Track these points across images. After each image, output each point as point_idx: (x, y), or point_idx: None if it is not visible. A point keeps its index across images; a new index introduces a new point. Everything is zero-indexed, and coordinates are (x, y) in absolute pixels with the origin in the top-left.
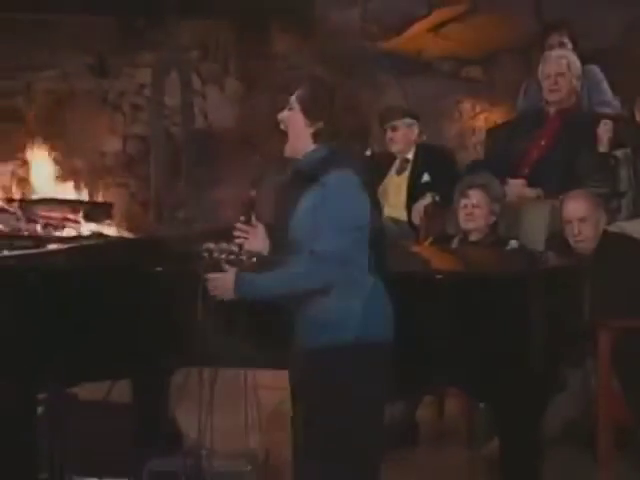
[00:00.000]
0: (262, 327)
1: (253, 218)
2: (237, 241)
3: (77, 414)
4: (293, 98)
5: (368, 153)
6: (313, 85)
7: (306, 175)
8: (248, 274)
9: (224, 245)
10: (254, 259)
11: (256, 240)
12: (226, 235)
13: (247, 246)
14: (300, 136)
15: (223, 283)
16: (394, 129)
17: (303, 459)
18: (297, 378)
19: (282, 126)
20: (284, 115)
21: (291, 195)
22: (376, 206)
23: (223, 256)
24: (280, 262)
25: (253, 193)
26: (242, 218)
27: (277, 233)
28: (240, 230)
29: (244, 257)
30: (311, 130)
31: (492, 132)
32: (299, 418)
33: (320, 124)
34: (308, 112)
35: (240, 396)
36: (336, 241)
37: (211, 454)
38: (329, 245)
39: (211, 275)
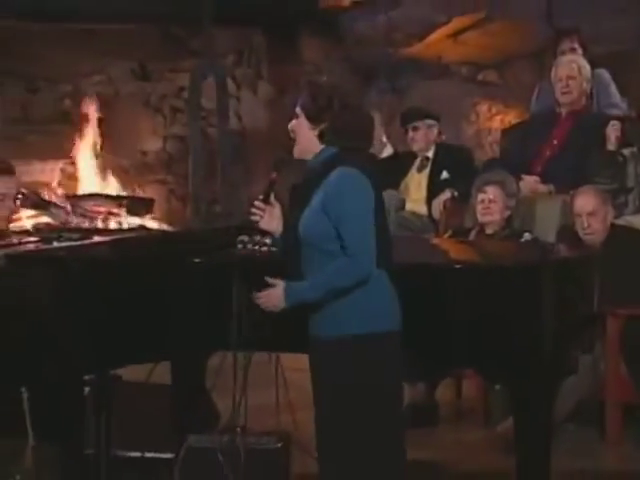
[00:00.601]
0: (288, 314)
1: (272, 198)
2: (253, 218)
3: (121, 394)
4: (298, 107)
5: (391, 152)
6: (311, 91)
7: (316, 175)
8: (294, 284)
9: (257, 237)
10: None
11: (271, 219)
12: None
13: (261, 225)
14: (307, 139)
15: (274, 297)
16: (415, 129)
17: (323, 446)
18: (311, 366)
19: (292, 135)
20: (292, 124)
21: (303, 195)
22: (381, 203)
23: (256, 247)
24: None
25: (274, 175)
26: (260, 197)
27: (289, 232)
28: (257, 208)
29: (275, 249)
30: (316, 132)
31: (507, 132)
32: (316, 404)
33: (323, 125)
34: (310, 116)
35: (270, 378)
36: (363, 237)
37: (245, 432)
38: (359, 243)
39: (262, 293)
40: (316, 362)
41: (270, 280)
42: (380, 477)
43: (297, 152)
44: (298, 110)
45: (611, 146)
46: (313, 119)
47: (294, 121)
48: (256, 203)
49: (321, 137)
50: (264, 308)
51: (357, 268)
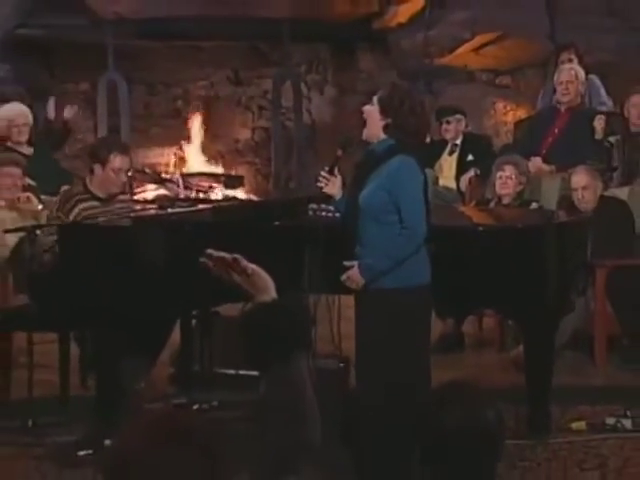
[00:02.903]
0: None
1: (336, 170)
2: (318, 184)
3: (219, 326)
4: (375, 97)
5: (427, 140)
6: (390, 89)
7: (376, 158)
8: (365, 262)
9: (323, 206)
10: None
11: (333, 187)
12: (324, 199)
13: (325, 189)
14: (374, 126)
15: (354, 277)
16: (448, 122)
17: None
18: (358, 309)
19: (364, 115)
20: (367, 108)
21: (363, 172)
22: (426, 183)
23: (323, 214)
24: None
25: (339, 152)
26: (326, 168)
27: (350, 201)
28: (323, 177)
29: (336, 214)
30: (382, 123)
31: (518, 124)
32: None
33: (389, 119)
34: (382, 108)
35: (333, 313)
36: (419, 214)
37: (314, 355)
38: (415, 218)
39: (343, 276)
40: (362, 307)
41: (347, 263)
42: (407, 391)
43: (366, 135)
44: (375, 99)
45: (598, 135)
46: (383, 112)
47: (369, 107)
48: (322, 173)
49: (385, 128)
50: (348, 286)
51: (414, 239)
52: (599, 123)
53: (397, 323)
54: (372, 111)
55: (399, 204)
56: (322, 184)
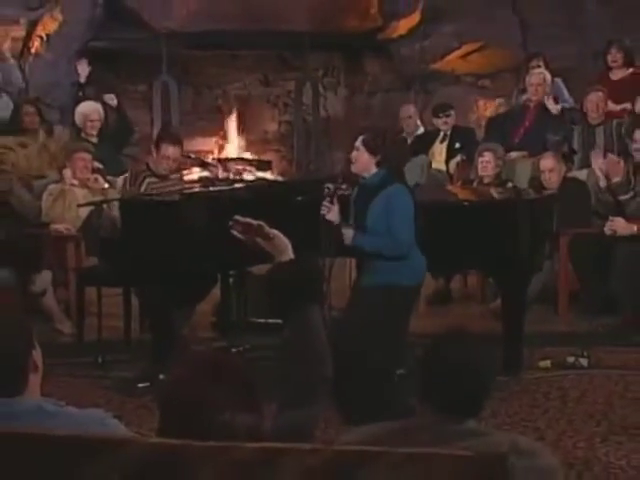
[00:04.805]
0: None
1: (335, 199)
2: (321, 212)
3: (252, 283)
4: (359, 142)
5: (422, 130)
6: (371, 134)
7: (371, 189)
8: (360, 235)
9: (337, 185)
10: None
11: (333, 214)
12: (338, 179)
13: (327, 216)
14: (365, 164)
15: (346, 235)
16: (447, 116)
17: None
18: (353, 299)
19: (353, 160)
20: (353, 155)
21: (363, 203)
22: (415, 204)
23: (338, 192)
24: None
25: (332, 187)
26: (328, 199)
27: (358, 220)
28: (325, 206)
29: (349, 192)
30: (374, 161)
31: (496, 119)
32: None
33: (379, 157)
34: (370, 150)
35: (346, 273)
36: (407, 232)
37: (329, 307)
38: (404, 234)
39: (344, 230)
40: (357, 299)
41: (344, 228)
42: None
43: (355, 169)
44: (359, 144)
45: (554, 111)
46: (372, 152)
47: (355, 152)
48: (325, 203)
49: (379, 164)
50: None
51: (398, 246)
52: (550, 103)
53: (384, 314)
54: (359, 154)
55: (390, 222)
56: (324, 211)
